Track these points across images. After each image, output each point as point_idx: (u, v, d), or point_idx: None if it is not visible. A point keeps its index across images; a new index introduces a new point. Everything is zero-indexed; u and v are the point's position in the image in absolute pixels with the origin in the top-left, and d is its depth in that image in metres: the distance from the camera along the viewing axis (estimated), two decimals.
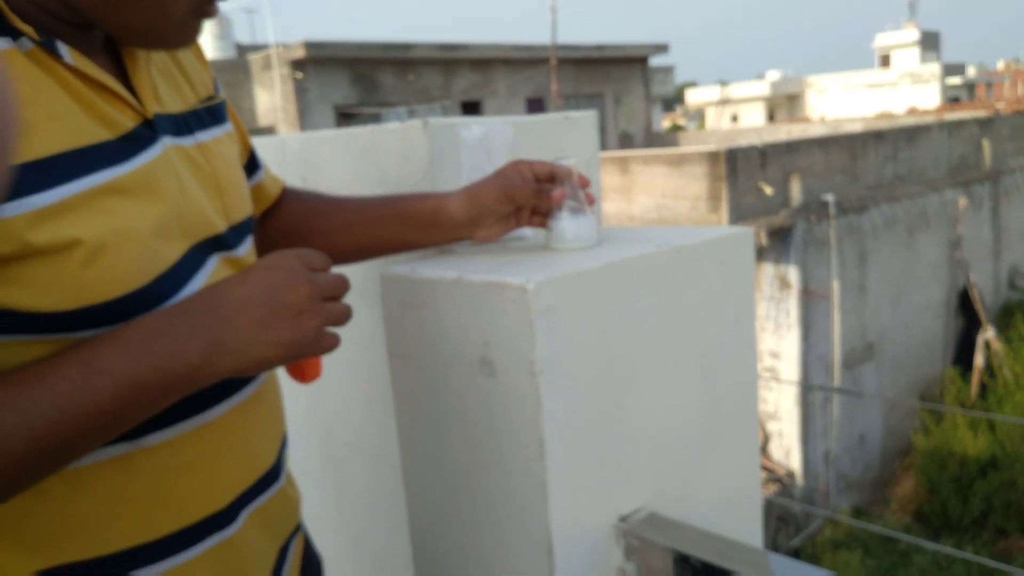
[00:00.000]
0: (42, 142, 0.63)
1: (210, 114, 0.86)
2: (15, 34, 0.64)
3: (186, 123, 0.80)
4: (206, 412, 0.77)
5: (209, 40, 16.56)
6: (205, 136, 0.83)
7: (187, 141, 0.79)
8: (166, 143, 0.75)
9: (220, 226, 0.80)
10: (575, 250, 1.02)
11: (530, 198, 1.02)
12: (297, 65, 14.55)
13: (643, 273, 0.99)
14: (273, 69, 14.78)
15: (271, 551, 0.88)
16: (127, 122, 0.72)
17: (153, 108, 0.75)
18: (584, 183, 1.03)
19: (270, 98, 15.25)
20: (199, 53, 0.90)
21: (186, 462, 0.76)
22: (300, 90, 14.54)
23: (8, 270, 0.61)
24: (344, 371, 1.33)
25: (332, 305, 0.73)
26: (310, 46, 14.32)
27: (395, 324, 1.07)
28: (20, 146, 0.61)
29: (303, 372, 0.82)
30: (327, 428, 1.41)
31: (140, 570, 0.74)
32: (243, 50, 17.47)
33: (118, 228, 0.67)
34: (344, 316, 0.75)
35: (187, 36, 0.75)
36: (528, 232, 1.20)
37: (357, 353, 1.25)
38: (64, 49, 0.67)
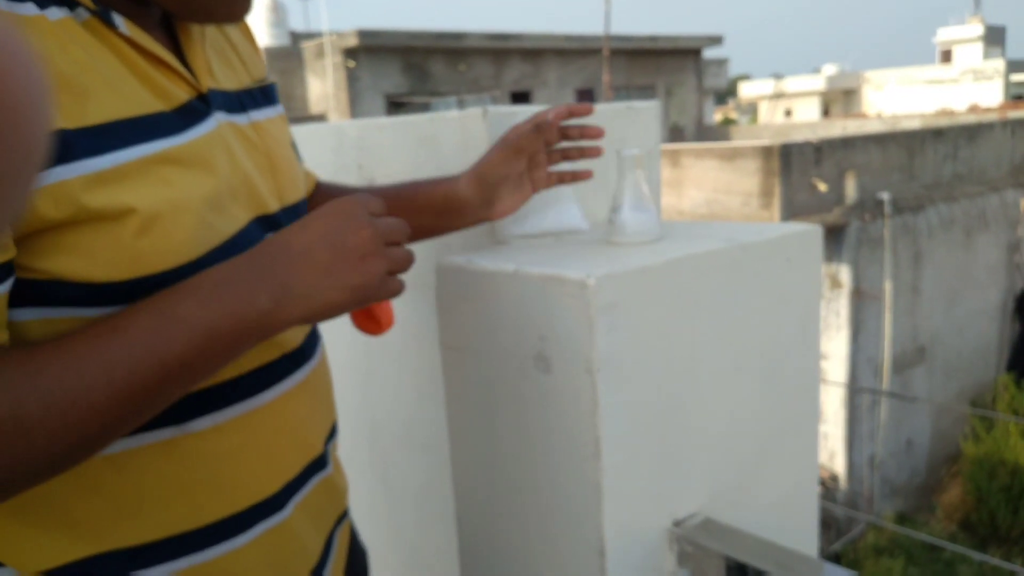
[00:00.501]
0: (98, 108, 0.63)
1: (264, 95, 0.85)
2: (72, 4, 0.64)
3: (240, 101, 0.80)
4: (255, 397, 0.76)
5: (264, 28, 16.75)
6: (259, 115, 0.82)
7: (241, 119, 0.78)
8: (220, 119, 0.75)
9: (273, 206, 0.79)
10: (636, 244, 0.99)
11: (532, 141, 0.98)
12: (350, 53, 14.66)
13: (707, 270, 0.96)
14: (326, 57, 14.92)
15: (318, 539, 0.87)
16: (181, 95, 0.71)
17: (207, 83, 0.75)
18: (593, 134, 0.99)
19: (322, 86, 15.40)
20: (251, 37, 0.90)
21: (234, 447, 0.75)
22: (352, 78, 14.66)
23: (63, 237, 0.61)
24: (395, 363, 1.31)
25: (394, 249, 0.72)
26: (363, 35, 14.43)
27: (449, 316, 1.05)
28: (68, 111, 0.61)
29: (376, 321, 0.80)
30: (376, 420, 1.40)
31: (188, 556, 0.73)
32: (297, 38, 17.64)
33: (173, 198, 0.66)
34: (407, 261, 0.73)
35: (239, 8, 0.75)
36: (585, 224, 1.17)
37: (409, 344, 1.24)
38: (119, 20, 0.67)
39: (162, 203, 0.65)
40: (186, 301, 0.63)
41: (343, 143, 1.40)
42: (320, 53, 15.37)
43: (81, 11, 0.65)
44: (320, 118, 14.39)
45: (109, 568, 0.70)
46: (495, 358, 0.99)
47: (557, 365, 0.90)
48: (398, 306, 1.30)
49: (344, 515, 0.95)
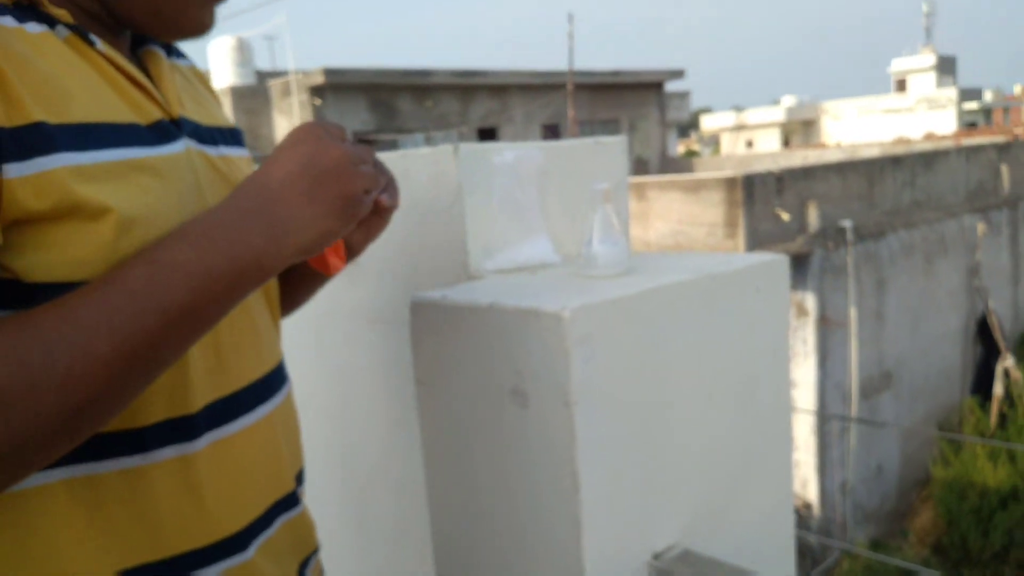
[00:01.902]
0: (80, 108, 0.64)
1: (232, 136, 0.86)
2: (51, 22, 0.66)
3: (211, 135, 0.81)
4: (220, 428, 0.76)
5: (229, 67, 16.73)
6: (229, 152, 0.83)
7: (211, 151, 0.79)
8: (189, 144, 0.76)
9: None
10: (608, 276, 1.00)
11: None
12: (316, 92, 14.71)
13: (679, 301, 0.97)
14: (292, 95, 14.94)
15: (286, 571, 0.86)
16: (155, 113, 0.72)
17: (178, 111, 0.76)
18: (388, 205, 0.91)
19: (289, 124, 15.38)
20: (215, 92, 0.92)
21: (198, 481, 0.74)
22: (319, 116, 14.67)
23: (44, 233, 0.61)
24: (368, 399, 1.31)
25: (365, 167, 0.71)
26: (329, 72, 14.49)
27: (424, 352, 1.05)
28: (51, 106, 0.62)
29: (327, 261, 0.78)
30: (349, 457, 1.38)
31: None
32: (263, 76, 17.66)
33: (149, 205, 0.66)
34: (380, 180, 0.72)
35: (204, 22, 0.77)
36: (557, 258, 1.18)
37: (382, 381, 1.23)
38: (96, 39, 0.69)
39: (139, 208, 0.65)
40: (179, 247, 0.62)
41: None
42: (286, 92, 15.38)
43: (61, 28, 0.67)
44: None
45: None
46: (471, 393, 0.99)
47: (534, 399, 0.90)
48: (372, 343, 1.29)
49: (313, 554, 0.94)
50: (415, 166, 1.15)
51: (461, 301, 0.97)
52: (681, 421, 0.99)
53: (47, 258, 0.62)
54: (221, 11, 0.81)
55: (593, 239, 1.02)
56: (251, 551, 0.79)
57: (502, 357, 0.93)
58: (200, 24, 0.77)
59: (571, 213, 1.24)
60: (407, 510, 1.21)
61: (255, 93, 16.27)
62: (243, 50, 17.18)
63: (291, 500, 0.86)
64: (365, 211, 0.71)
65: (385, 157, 1.24)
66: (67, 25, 0.67)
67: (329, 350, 1.37)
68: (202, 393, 0.74)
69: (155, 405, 0.69)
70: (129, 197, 0.65)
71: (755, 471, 1.11)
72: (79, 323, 0.57)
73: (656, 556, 0.97)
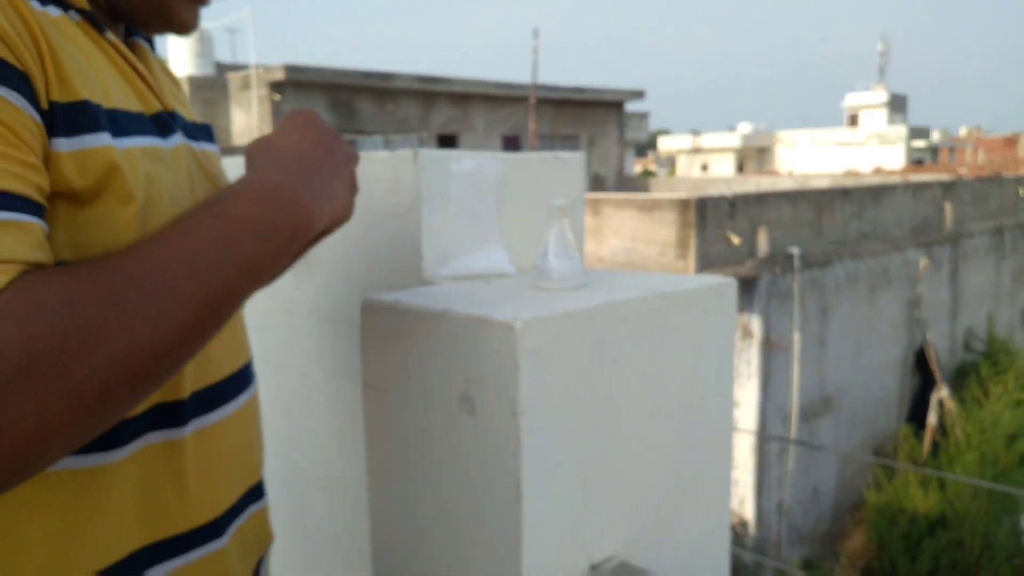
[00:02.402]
0: (107, 94, 0.68)
1: (207, 132, 0.89)
2: (65, 6, 0.69)
3: (194, 130, 0.84)
4: (206, 415, 0.78)
5: (188, 57, 16.48)
6: (207, 147, 0.87)
7: (196, 146, 0.83)
8: (182, 138, 0.79)
9: None
10: (561, 289, 1.01)
11: None
12: (276, 87, 14.55)
13: (629, 317, 0.98)
14: (252, 89, 14.75)
15: (247, 565, 0.87)
16: (156, 104, 0.76)
17: (171, 104, 0.80)
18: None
19: (246, 118, 15.19)
20: (180, 86, 0.95)
21: (185, 465, 0.76)
22: (277, 112, 14.53)
23: (80, 211, 0.62)
24: (314, 401, 1.30)
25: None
26: (290, 69, 14.36)
27: (373, 355, 1.05)
28: (91, 88, 0.65)
29: None
30: (293, 459, 1.37)
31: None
32: (222, 69, 17.41)
33: (165, 194, 0.70)
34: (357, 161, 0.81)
35: (192, 21, 0.81)
36: (512, 268, 1.19)
37: (329, 383, 1.23)
38: (105, 27, 0.73)
39: (158, 196, 0.69)
40: (242, 204, 0.64)
41: None
42: (245, 85, 15.18)
43: (73, 13, 0.69)
44: (243, 151, 14.19)
45: None
46: (419, 399, 0.99)
47: (481, 407, 0.91)
48: (320, 344, 1.29)
49: (268, 550, 0.94)
50: (374, 169, 1.15)
51: (413, 305, 0.98)
52: (625, 436, 1.01)
53: (75, 237, 0.63)
54: None
55: (548, 252, 1.03)
56: (226, 538, 0.80)
57: (452, 364, 0.93)
58: (188, 22, 0.80)
59: (528, 225, 1.25)
60: (348, 513, 1.21)
61: (213, 85, 16.04)
62: (204, 40, 16.94)
63: (259, 490, 0.89)
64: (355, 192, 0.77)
65: None
66: (79, 10, 0.70)
67: (274, 346, 1.36)
68: (191, 380, 0.76)
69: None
70: (150, 185, 0.68)
71: (695, 488, 1.13)
72: (166, 266, 0.58)
73: (593, 567, 0.98)
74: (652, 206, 9.24)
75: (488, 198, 1.17)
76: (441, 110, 16.94)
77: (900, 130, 34.08)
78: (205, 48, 17.07)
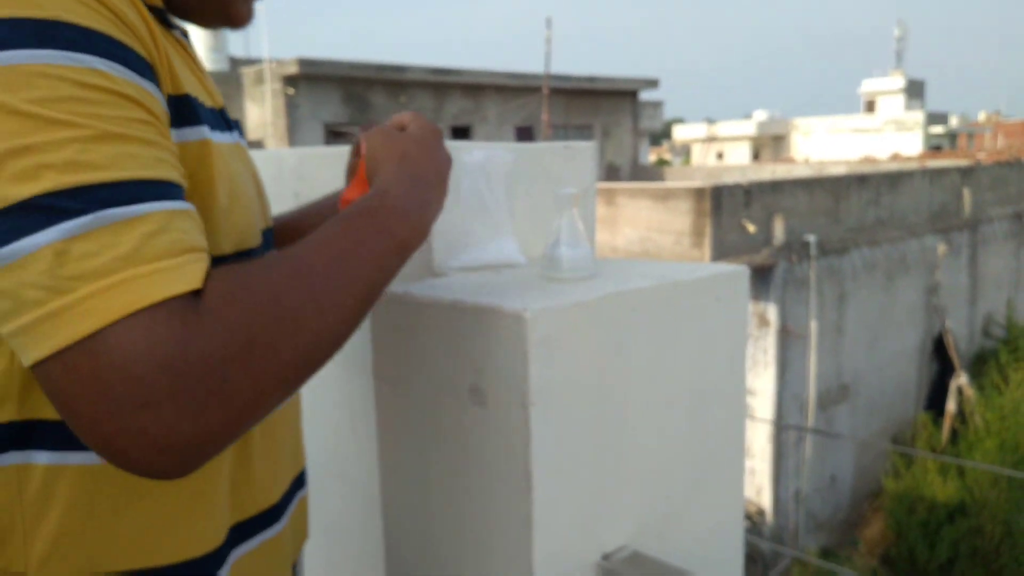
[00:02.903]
0: (194, 89, 0.71)
1: (239, 127, 0.90)
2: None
3: (236, 126, 0.86)
4: None
5: (203, 51, 16.56)
6: (242, 141, 0.88)
7: (242, 141, 0.85)
8: (237, 134, 0.82)
9: (266, 223, 0.86)
10: (572, 279, 1.01)
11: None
12: (289, 81, 14.58)
13: (640, 306, 0.98)
14: (265, 83, 14.79)
15: (289, 563, 0.89)
16: (219, 100, 0.79)
17: (220, 100, 0.81)
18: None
19: (260, 112, 15.24)
20: None
21: (257, 451, 0.78)
22: (291, 106, 14.56)
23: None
24: (326, 393, 1.30)
25: None
26: (303, 63, 14.37)
27: (384, 346, 1.05)
28: (195, 87, 0.70)
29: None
30: (306, 451, 1.38)
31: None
32: (236, 63, 17.47)
33: (243, 187, 0.75)
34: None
35: (247, 15, 0.83)
36: (522, 259, 1.19)
37: (341, 375, 1.23)
38: (173, 23, 0.75)
39: (239, 187, 0.74)
40: (393, 221, 0.72)
41: (281, 171, 1.40)
42: (259, 79, 15.23)
43: (144, 9, 0.70)
44: (257, 144, 14.25)
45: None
46: (430, 390, 0.99)
47: (492, 398, 0.91)
48: None
49: (304, 542, 0.95)
50: None
51: (423, 297, 0.98)
52: (637, 425, 1.00)
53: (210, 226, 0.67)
54: None
55: (558, 242, 1.03)
56: (284, 522, 0.83)
57: (462, 355, 0.94)
58: (245, 16, 0.83)
59: (539, 215, 1.25)
60: (360, 504, 1.21)
61: (227, 79, 16.10)
62: (217, 35, 17.00)
63: (303, 477, 0.91)
64: None
65: (346, 151, 1.23)
66: (150, 7, 0.70)
67: None
68: None
69: None
70: (233, 176, 0.72)
71: (707, 477, 1.13)
72: (340, 264, 0.65)
73: (605, 557, 0.99)
74: (667, 195, 9.20)
75: (498, 189, 1.17)
76: (454, 101, 16.93)
77: (918, 116, 33.73)
78: (219, 43, 17.14)
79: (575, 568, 0.95)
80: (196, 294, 0.55)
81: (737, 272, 1.12)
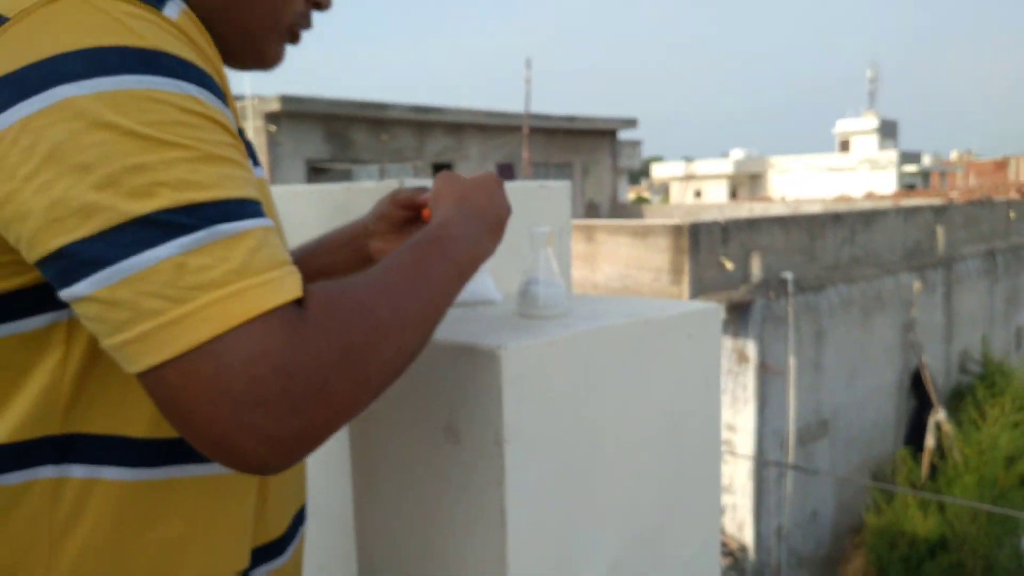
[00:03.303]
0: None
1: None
2: None
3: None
4: None
5: None
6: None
7: (262, 175, 0.87)
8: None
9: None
10: (547, 316, 1.02)
11: (393, 211, 1.07)
12: (271, 118, 14.63)
13: (613, 344, 0.99)
14: (247, 120, 14.83)
15: None
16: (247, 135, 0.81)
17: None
18: (421, 204, 1.06)
19: None
20: None
21: (269, 479, 0.80)
22: (273, 143, 14.60)
23: None
24: None
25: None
26: (286, 100, 14.44)
27: None
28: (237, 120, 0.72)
29: None
30: None
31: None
32: None
33: (273, 218, 0.77)
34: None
35: (279, 57, 0.85)
36: (498, 296, 1.20)
37: None
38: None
39: (272, 221, 0.75)
40: (454, 250, 0.77)
41: None
42: (242, 116, 15.18)
43: None
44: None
45: None
46: (404, 427, 0.99)
47: (466, 435, 0.92)
48: None
49: None
50: (358, 199, 1.17)
51: None
52: (611, 461, 1.01)
53: None
54: None
55: (534, 280, 1.04)
56: (287, 554, 0.84)
57: (436, 392, 0.94)
58: (277, 57, 0.85)
59: (515, 253, 1.26)
60: (335, 540, 1.21)
61: None
62: None
63: (304, 512, 0.92)
64: None
65: (328, 189, 1.25)
66: None
67: None
68: None
69: None
70: (266, 211, 0.74)
71: (682, 511, 1.13)
72: (418, 285, 0.70)
73: None
74: (646, 232, 9.28)
75: None
76: (436, 139, 17.06)
77: (891, 155, 34.32)
78: None
79: None
80: (299, 303, 0.59)
81: (709, 310, 1.14)
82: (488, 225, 0.86)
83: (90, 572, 0.67)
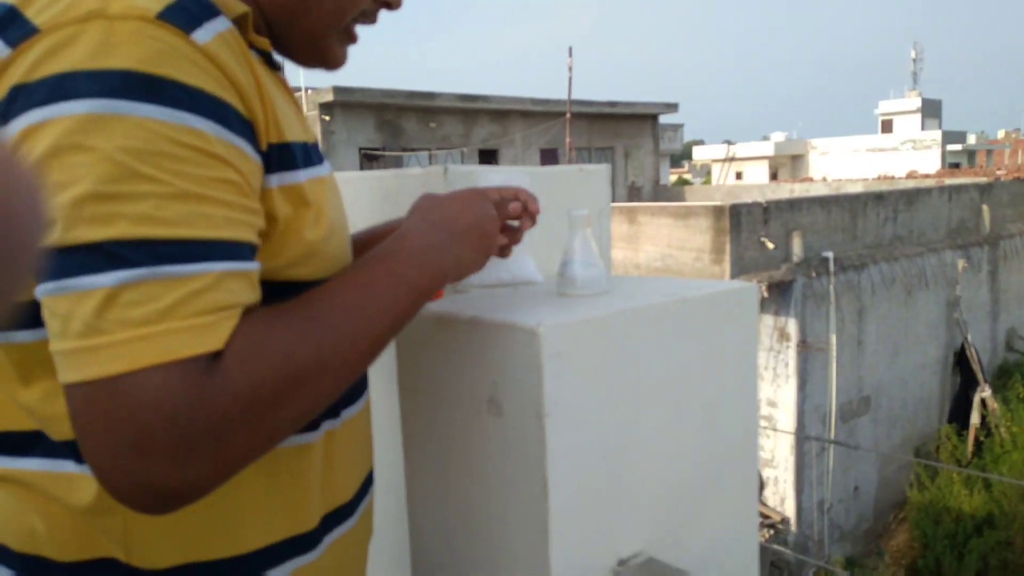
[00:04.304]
0: (297, 130, 0.75)
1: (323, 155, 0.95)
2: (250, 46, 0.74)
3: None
4: (350, 407, 0.87)
5: None
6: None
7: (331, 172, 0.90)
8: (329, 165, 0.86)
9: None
10: (586, 296, 1.05)
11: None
12: (325, 108, 14.85)
13: (650, 322, 1.02)
14: (303, 111, 15.04)
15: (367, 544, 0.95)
16: (314, 134, 0.83)
17: (314, 136, 0.85)
18: (532, 209, 1.02)
19: None
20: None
21: (339, 451, 0.84)
22: (327, 132, 14.84)
23: (279, 236, 0.71)
24: None
25: (502, 234, 0.92)
26: (338, 91, 14.69)
27: (407, 360, 1.10)
28: (291, 129, 0.73)
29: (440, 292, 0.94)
30: None
31: (299, 557, 0.80)
32: None
33: (338, 217, 0.80)
34: (514, 240, 0.96)
35: (342, 59, 0.86)
36: (539, 277, 1.23)
37: (371, 384, 1.28)
38: (278, 63, 0.80)
39: (336, 218, 0.78)
40: (406, 264, 0.76)
41: None
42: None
43: (254, 52, 0.73)
44: None
45: (239, 570, 0.74)
46: (450, 401, 1.03)
47: (508, 409, 0.95)
48: None
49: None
50: (408, 185, 1.20)
51: (444, 313, 1.02)
52: (648, 436, 1.04)
53: (268, 263, 0.70)
54: None
55: (572, 261, 1.06)
56: (356, 516, 0.88)
57: (481, 368, 0.98)
58: (340, 59, 0.86)
59: (555, 236, 1.29)
60: (392, 508, 1.25)
61: None
62: None
63: (372, 476, 0.96)
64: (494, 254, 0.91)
65: (378, 175, 1.29)
66: (259, 51, 0.75)
67: None
68: None
69: None
70: (330, 208, 0.77)
71: (720, 486, 1.15)
72: (350, 317, 0.69)
73: (621, 563, 1.02)
74: (687, 213, 9.22)
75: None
76: (482, 126, 17.18)
77: (935, 135, 33.43)
78: None
79: (591, 573, 0.98)
80: (219, 354, 0.60)
81: (746, 289, 1.15)
82: (459, 233, 0.83)
83: (164, 542, 0.70)
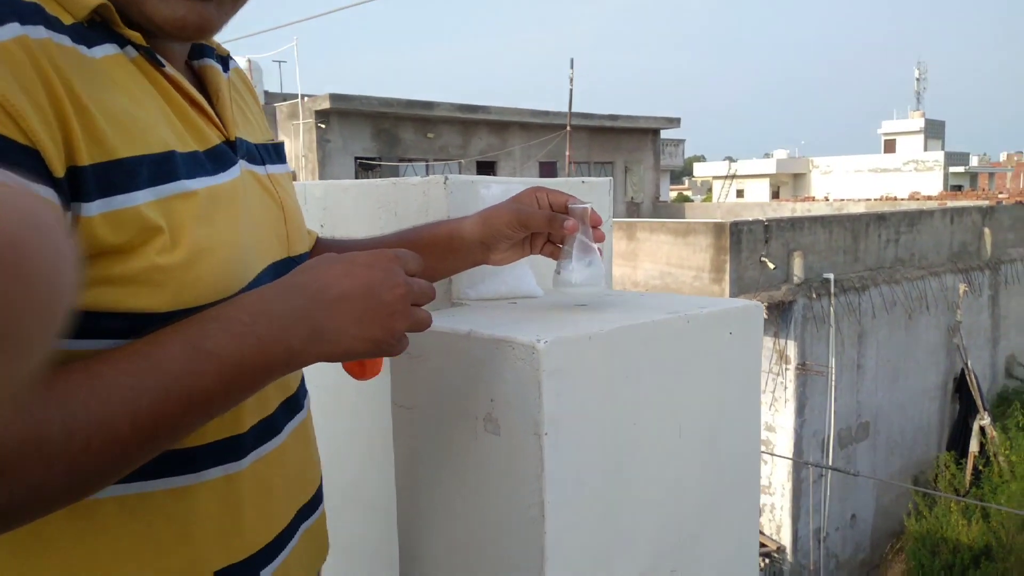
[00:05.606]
0: (153, 140, 0.66)
1: (276, 152, 0.90)
2: (121, 42, 0.68)
3: (260, 153, 0.85)
4: (262, 447, 0.79)
5: None
6: (274, 169, 0.87)
7: (260, 169, 0.83)
8: (243, 166, 0.78)
9: (283, 254, 0.84)
10: (582, 292, 1.02)
11: (543, 225, 1.00)
12: (321, 116, 14.86)
13: (653, 339, 0.99)
14: (298, 118, 15.06)
15: (310, 572, 0.90)
16: (214, 138, 0.75)
17: (234, 132, 0.79)
18: (596, 221, 1.01)
19: (293, 146, 15.52)
20: (259, 101, 0.96)
21: (242, 497, 0.76)
22: (322, 140, 14.85)
23: (120, 264, 0.62)
24: (345, 420, 1.32)
25: (417, 310, 0.75)
26: (335, 98, 14.69)
27: (402, 374, 1.07)
28: (126, 141, 0.63)
29: (364, 369, 0.84)
30: (325, 475, 1.40)
31: None
32: (271, 98, 17.84)
33: (215, 235, 0.68)
34: (425, 323, 0.76)
35: (167, 8, 0.70)
36: (539, 291, 1.21)
37: (359, 402, 1.25)
38: (164, 61, 0.71)
39: (206, 237, 0.67)
40: (219, 334, 0.63)
41: (307, 202, 1.43)
42: (293, 114, 15.52)
43: (130, 49, 0.69)
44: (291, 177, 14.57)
45: None
46: (445, 418, 1.01)
47: (506, 427, 0.92)
48: None
49: (320, 568, 0.96)
50: (406, 195, 1.18)
51: (440, 327, 1.00)
52: (649, 456, 1.01)
53: (118, 291, 0.63)
54: (232, 33, 0.84)
55: (570, 257, 1.03)
56: (285, 553, 0.82)
57: (477, 384, 0.95)
58: (166, 12, 0.70)
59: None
60: (379, 528, 1.23)
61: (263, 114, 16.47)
62: (254, 71, 17.36)
63: (312, 504, 0.90)
64: (399, 350, 0.74)
65: (373, 184, 1.27)
66: (136, 46, 0.69)
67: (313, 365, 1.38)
68: (250, 414, 0.77)
69: (209, 427, 0.70)
70: (198, 227, 0.67)
71: (721, 508, 1.13)
72: (106, 399, 0.57)
73: None
74: (687, 230, 9.22)
75: None
76: (480, 137, 17.20)
77: (937, 156, 33.64)
78: (256, 78, 17.49)
79: None
80: None
81: (751, 307, 1.13)
82: (329, 301, 0.68)
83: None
